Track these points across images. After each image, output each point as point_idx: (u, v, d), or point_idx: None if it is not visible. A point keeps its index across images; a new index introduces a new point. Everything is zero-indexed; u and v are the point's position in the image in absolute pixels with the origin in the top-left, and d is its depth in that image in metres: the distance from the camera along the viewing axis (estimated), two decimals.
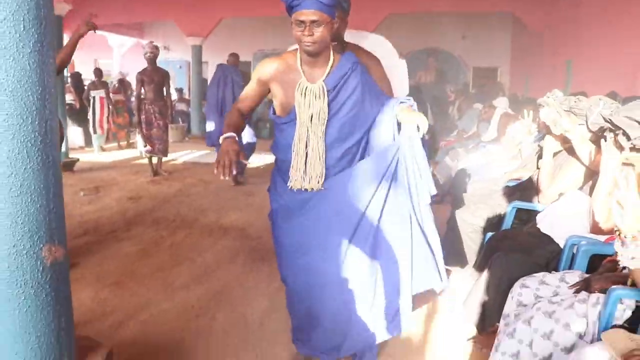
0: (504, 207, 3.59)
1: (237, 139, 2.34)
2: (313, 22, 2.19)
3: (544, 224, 2.91)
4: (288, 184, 2.45)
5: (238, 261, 4.23)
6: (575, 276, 2.40)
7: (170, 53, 16.82)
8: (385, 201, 2.35)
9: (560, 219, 2.82)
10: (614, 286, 2.02)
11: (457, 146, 7.69)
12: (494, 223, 3.57)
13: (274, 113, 2.53)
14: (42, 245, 2.05)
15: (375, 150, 2.41)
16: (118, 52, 18.87)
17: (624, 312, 2.01)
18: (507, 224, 3.38)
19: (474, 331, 3.04)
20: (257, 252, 4.43)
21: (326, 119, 2.36)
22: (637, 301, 1.99)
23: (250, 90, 2.53)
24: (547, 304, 2.16)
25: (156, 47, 7.55)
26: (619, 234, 1.74)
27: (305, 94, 2.35)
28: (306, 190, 2.43)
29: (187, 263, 4.18)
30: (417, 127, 2.24)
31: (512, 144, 5.64)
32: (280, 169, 2.56)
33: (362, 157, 2.45)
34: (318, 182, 2.40)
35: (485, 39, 14.48)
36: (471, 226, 3.65)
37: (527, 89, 11.63)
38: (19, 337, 2.09)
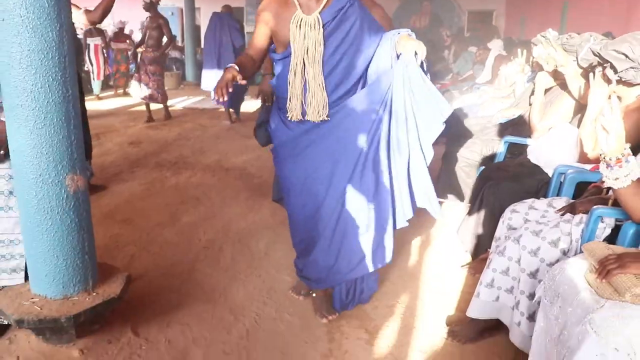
0: (497, 143, 3.74)
1: (236, 68, 2.34)
2: None
3: (534, 155, 3.07)
4: (287, 115, 2.49)
5: (241, 198, 4.40)
6: (562, 201, 2.57)
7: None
8: (384, 129, 2.39)
9: (550, 150, 2.97)
10: (595, 206, 2.19)
11: (451, 89, 7.77)
12: (487, 158, 3.72)
13: (274, 51, 2.55)
14: (65, 175, 2.20)
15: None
16: None
17: (604, 230, 2.18)
18: (500, 157, 3.54)
19: (468, 258, 3.23)
20: (259, 190, 4.59)
21: (322, 51, 2.35)
22: (616, 220, 2.16)
23: (256, 33, 2.54)
24: (535, 225, 2.33)
25: None
26: (604, 158, 1.88)
27: (300, 25, 2.35)
28: (306, 122, 2.46)
29: (192, 201, 4.35)
30: (415, 53, 2.25)
31: (505, 84, 5.76)
32: (279, 106, 2.60)
33: (364, 84, 2.47)
34: (319, 114, 2.42)
35: None
36: (466, 161, 3.82)
37: (522, 32, 11.63)
38: (48, 259, 2.26)
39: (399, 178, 2.45)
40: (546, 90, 3.59)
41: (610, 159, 1.86)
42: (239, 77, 2.29)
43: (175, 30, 16.72)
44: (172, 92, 11.28)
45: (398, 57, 2.34)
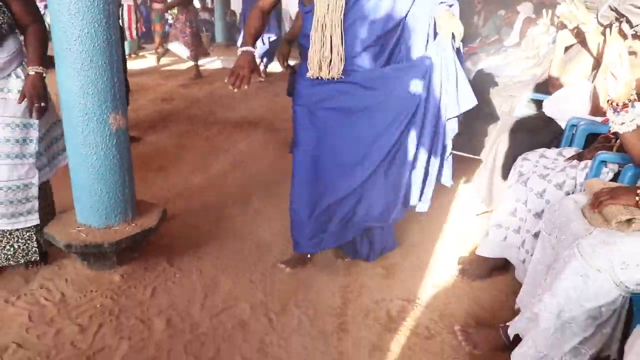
0: (517, 99, 3.85)
1: (254, 54, 2.37)
2: None
3: (549, 108, 3.18)
4: (307, 74, 2.44)
5: (269, 149, 4.60)
6: (572, 151, 2.71)
7: None
8: (415, 114, 2.41)
9: (565, 103, 3.08)
10: (600, 151, 2.33)
11: (479, 52, 7.79)
12: (505, 113, 3.84)
13: (301, 2, 2.52)
14: (108, 114, 2.41)
15: (408, 51, 2.43)
16: None
17: (607, 174, 2.32)
18: (518, 112, 3.65)
19: (482, 208, 3.39)
20: (285, 142, 4.77)
21: (343, 5, 2.30)
22: (619, 165, 2.29)
23: None
24: (543, 169, 2.48)
25: None
26: (611, 103, 2.01)
27: None
28: (328, 80, 2.42)
29: (222, 152, 4.56)
30: (453, 35, 2.26)
31: (531, 45, 5.79)
32: (305, 59, 2.53)
33: (391, 54, 2.44)
34: (339, 71, 2.38)
35: None
36: (484, 114, 3.94)
37: None
38: (92, 191, 2.50)
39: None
40: (567, 48, 3.67)
41: (617, 104, 1.99)
42: (257, 71, 2.36)
43: None
44: None
45: (435, 35, 2.37)
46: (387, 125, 2.43)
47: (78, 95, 2.32)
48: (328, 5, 2.32)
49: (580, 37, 3.56)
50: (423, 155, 2.51)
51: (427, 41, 2.41)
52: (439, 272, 2.77)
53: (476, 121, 4.10)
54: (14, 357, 2.13)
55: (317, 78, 2.43)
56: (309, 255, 2.81)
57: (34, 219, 2.58)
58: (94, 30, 2.26)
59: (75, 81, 2.30)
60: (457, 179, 3.93)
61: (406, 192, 2.58)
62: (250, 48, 2.38)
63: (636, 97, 1.99)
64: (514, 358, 1.93)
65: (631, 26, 2.67)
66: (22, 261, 2.64)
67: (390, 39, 2.41)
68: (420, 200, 2.63)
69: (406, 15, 2.37)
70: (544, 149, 2.81)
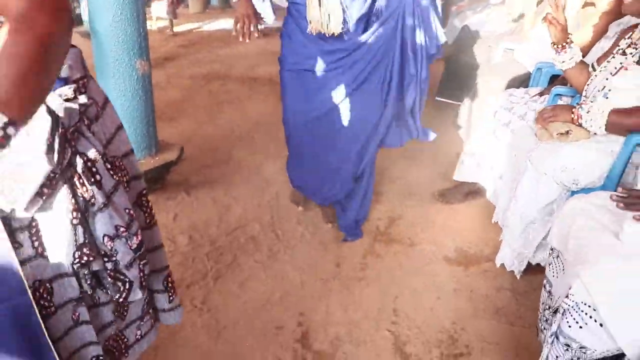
0: (494, 49, 4.23)
1: (251, 0, 2.39)
2: None
3: (519, 55, 3.57)
4: (307, 30, 2.40)
5: (269, 101, 4.98)
6: (536, 90, 3.10)
7: None
8: (396, 57, 2.50)
9: (533, 49, 3.47)
10: (554, 86, 2.74)
11: (466, 10, 8.11)
12: (484, 60, 4.23)
13: None
14: (135, 59, 2.78)
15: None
16: None
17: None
18: (496, 59, 4.04)
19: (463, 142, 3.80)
20: None
21: None
22: (572, 97, 2.70)
23: None
24: (510, 104, 2.88)
25: None
26: (553, 45, 2.41)
27: None
28: (325, 37, 2.40)
29: (225, 104, 4.94)
30: None
31: (511, 2, 6.14)
32: (293, 15, 2.51)
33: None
34: (338, 24, 2.34)
35: None
36: (466, 64, 4.33)
37: None
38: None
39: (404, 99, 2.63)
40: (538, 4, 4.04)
41: (557, 47, 2.38)
42: (259, 18, 2.40)
43: None
44: (199, 15, 11.70)
45: None
46: (372, 71, 2.50)
47: (109, 44, 2.69)
48: None
49: None
50: (412, 89, 2.62)
51: None
52: (421, 197, 3.20)
53: (459, 71, 4.49)
54: None
55: (310, 35, 2.42)
56: None
57: None
58: None
59: (106, 29, 2.67)
60: (443, 123, 4.33)
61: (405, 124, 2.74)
62: None
63: (572, 39, 2.38)
64: (497, 261, 2.38)
65: None
66: None
67: None
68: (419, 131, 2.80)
69: None
70: (513, 89, 3.20)
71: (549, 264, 1.76)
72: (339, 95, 2.50)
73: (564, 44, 2.37)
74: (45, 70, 0.87)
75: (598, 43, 2.81)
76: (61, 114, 1.02)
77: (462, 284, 2.42)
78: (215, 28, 10.40)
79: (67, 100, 1.06)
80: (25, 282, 1.00)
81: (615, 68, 2.20)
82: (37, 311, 1.02)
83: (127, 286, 1.20)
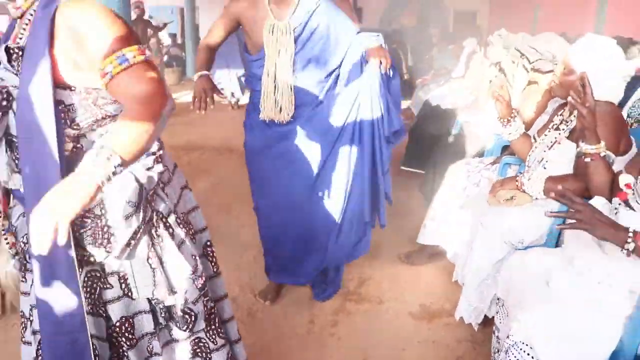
0: (453, 122, 4.62)
1: (210, 76, 2.54)
2: None
3: (475, 126, 3.93)
4: (260, 116, 2.60)
5: (245, 171, 5.24)
6: (490, 159, 3.43)
7: None
8: (351, 136, 2.59)
9: (487, 121, 3.83)
10: (504, 156, 3.06)
11: (430, 83, 8.64)
12: (444, 132, 4.60)
13: (246, 51, 2.67)
14: None
15: (344, 79, 2.58)
16: None
17: (511, 173, 3.04)
18: (455, 131, 4.41)
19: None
20: None
21: (293, 53, 2.49)
22: (518, 165, 3.02)
23: (219, 24, 2.64)
24: (466, 172, 3.19)
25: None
26: (499, 119, 2.74)
27: (272, 31, 2.48)
28: (278, 122, 2.59)
29: (204, 173, 5.20)
30: (380, 63, 2.46)
31: (473, 77, 6.63)
32: (254, 103, 2.67)
33: (334, 84, 2.60)
34: (288, 114, 2.56)
35: None
36: (429, 135, 4.70)
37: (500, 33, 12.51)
38: None
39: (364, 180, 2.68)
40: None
41: (503, 120, 2.72)
42: (216, 91, 2.53)
43: (175, 28, 17.55)
44: (174, 87, 12.12)
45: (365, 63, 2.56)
46: (322, 155, 2.63)
47: None
48: (279, 52, 2.49)
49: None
50: (365, 174, 2.67)
51: (361, 69, 2.56)
52: (388, 259, 3.45)
53: (422, 142, 4.85)
54: None
55: (268, 122, 2.62)
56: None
57: None
58: None
59: None
60: (409, 190, 4.64)
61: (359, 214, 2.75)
62: (204, 72, 2.55)
63: (516, 114, 2.72)
64: (456, 314, 2.62)
65: (529, 62, 3.43)
66: None
67: (334, 74, 2.60)
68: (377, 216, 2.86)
69: (346, 51, 2.57)
70: (469, 158, 3.53)
71: (497, 312, 2.01)
72: (303, 175, 2.65)
73: (509, 118, 2.70)
74: (154, 135, 1.26)
75: (540, 117, 3.16)
76: (144, 180, 1.34)
77: (425, 337, 2.64)
78: (190, 100, 10.77)
79: (148, 169, 1.38)
80: (86, 321, 1.30)
81: (551, 142, 2.52)
82: (91, 346, 1.31)
83: (193, 318, 1.48)
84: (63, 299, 1.28)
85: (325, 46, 2.53)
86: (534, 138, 2.73)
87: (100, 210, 1.29)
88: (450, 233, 3.14)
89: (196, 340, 1.55)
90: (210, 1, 15.36)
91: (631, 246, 1.54)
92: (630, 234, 1.54)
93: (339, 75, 2.60)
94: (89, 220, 1.30)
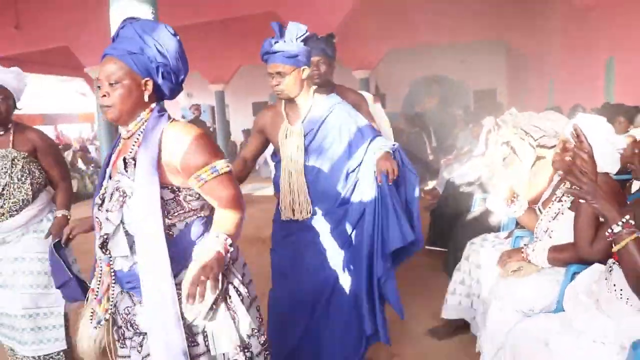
0: (473, 199, 4.82)
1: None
2: (278, 73, 2.58)
3: (490, 204, 4.12)
4: (281, 217, 2.79)
5: None
6: (504, 234, 3.60)
7: (193, 99, 18.25)
8: (358, 240, 2.71)
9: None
10: (515, 230, 3.24)
11: (454, 162, 8.90)
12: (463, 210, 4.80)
13: (274, 154, 2.88)
14: None
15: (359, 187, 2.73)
16: None
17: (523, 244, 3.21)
18: (473, 208, 4.60)
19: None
20: None
21: (303, 156, 2.66)
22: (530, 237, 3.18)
23: (251, 139, 2.93)
24: (481, 246, 3.36)
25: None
26: (505, 201, 2.96)
27: (287, 135, 2.70)
28: (296, 220, 2.74)
29: None
30: (387, 172, 2.52)
31: (491, 154, 6.86)
32: (278, 202, 2.85)
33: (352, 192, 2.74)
34: (303, 213, 2.72)
35: (483, 64, 15.46)
36: (449, 214, 4.89)
37: (520, 107, 12.83)
38: None
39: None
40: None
41: (507, 202, 2.93)
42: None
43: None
44: None
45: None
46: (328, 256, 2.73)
47: None
48: (291, 155, 2.68)
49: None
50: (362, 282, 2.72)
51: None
52: (416, 335, 3.57)
53: (443, 221, 5.05)
54: None
55: (288, 220, 2.77)
56: None
57: (61, 345, 2.94)
58: None
59: None
60: (433, 268, 4.79)
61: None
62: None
63: (517, 194, 2.94)
64: None
65: (534, 139, 3.66)
66: None
67: (351, 176, 2.72)
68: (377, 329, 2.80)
69: (361, 162, 2.69)
70: (486, 234, 3.71)
71: None
72: (316, 270, 2.74)
73: (512, 198, 2.92)
74: (242, 223, 1.77)
75: (546, 190, 3.35)
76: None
77: None
78: None
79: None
80: None
81: (555, 213, 2.71)
82: None
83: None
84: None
85: (339, 149, 2.68)
86: (539, 210, 2.92)
87: None
88: (472, 306, 3.28)
89: None
90: (238, 100, 16.21)
91: (617, 229, 1.72)
92: (624, 220, 1.72)
93: (358, 179, 2.73)
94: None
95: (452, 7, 10.66)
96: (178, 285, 1.68)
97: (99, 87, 1.78)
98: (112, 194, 1.76)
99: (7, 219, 2.82)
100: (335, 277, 2.73)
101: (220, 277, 1.65)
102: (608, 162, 2.59)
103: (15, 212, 2.83)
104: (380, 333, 2.77)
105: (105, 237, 1.77)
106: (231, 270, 1.80)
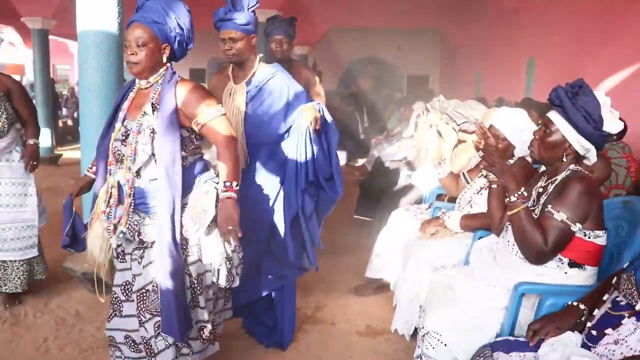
0: (399, 175, 5.29)
1: None
2: (231, 39, 2.85)
3: (415, 179, 4.60)
4: None
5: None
6: (426, 206, 4.06)
7: None
8: (282, 186, 2.97)
9: (424, 175, 4.50)
10: (434, 202, 3.70)
11: (384, 142, 9.40)
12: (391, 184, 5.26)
13: None
14: None
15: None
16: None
17: (441, 215, 3.67)
18: (399, 183, 5.07)
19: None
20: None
21: (244, 111, 2.90)
22: (446, 210, 3.65)
23: None
24: (405, 215, 3.80)
25: None
26: (432, 162, 3.43)
27: (230, 92, 2.98)
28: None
29: None
30: (311, 122, 2.85)
31: (419, 136, 7.38)
32: None
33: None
34: (245, 161, 2.98)
35: (418, 51, 16.03)
36: (377, 187, 5.35)
37: (450, 95, 13.52)
38: None
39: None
40: None
41: (435, 163, 3.38)
42: None
43: None
44: None
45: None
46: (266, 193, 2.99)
47: None
48: (232, 110, 2.94)
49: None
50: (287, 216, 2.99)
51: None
52: (341, 291, 4.00)
53: (371, 193, 5.51)
54: (52, 344, 3.17)
55: None
56: None
57: (34, 251, 3.68)
58: None
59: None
60: (360, 235, 5.24)
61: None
62: None
63: (445, 158, 3.39)
64: (392, 327, 3.17)
65: (457, 124, 4.13)
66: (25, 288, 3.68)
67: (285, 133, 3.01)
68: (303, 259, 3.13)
69: (286, 116, 2.97)
70: (408, 204, 4.17)
71: (419, 317, 2.58)
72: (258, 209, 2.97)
73: (440, 161, 3.38)
74: (237, 155, 2.33)
75: (468, 161, 3.81)
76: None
77: (369, 348, 3.20)
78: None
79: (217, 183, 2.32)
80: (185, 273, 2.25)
81: (480, 187, 3.17)
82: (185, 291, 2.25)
83: (232, 278, 2.32)
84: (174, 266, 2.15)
85: (277, 107, 2.96)
86: (464, 176, 3.40)
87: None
88: (393, 268, 3.73)
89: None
90: (176, 65, 16.03)
91: (513, 199, 2.21)
92: (519, 193, 2.22)
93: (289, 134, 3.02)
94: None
95: None
96: (183, 206, 2.21)
97: (126, 46, 2.22)
98: (139, 131, 2.21)
99: None
100: (271, 213, 2.99)
101: (215, 203, 2.21)
102: (525, 148, 3.06)
103: None
104: (310, 258, 3.09)
105: (139, 164, 2.22)
106: None
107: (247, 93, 2.95)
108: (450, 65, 15.04)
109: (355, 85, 16.69)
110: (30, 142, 3.62)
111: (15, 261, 3.59)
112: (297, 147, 2.92)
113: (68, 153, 11.43)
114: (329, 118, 3.07)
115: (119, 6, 3.66)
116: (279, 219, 2.99)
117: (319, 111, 3.00)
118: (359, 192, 5.90)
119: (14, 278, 3.60)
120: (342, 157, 8.50)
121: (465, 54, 13.03)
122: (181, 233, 2.21)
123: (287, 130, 3.00)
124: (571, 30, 6.80)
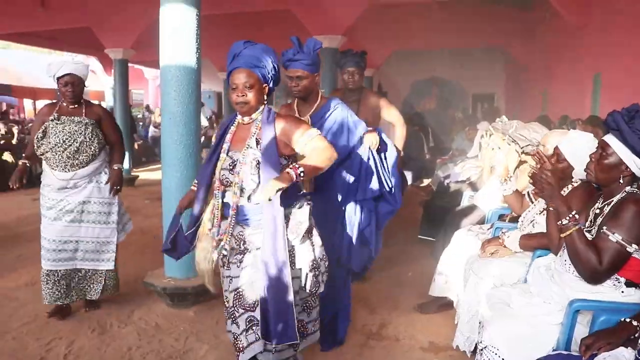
0: (462, 195, 5.38)
1: None
2: (297, 77, 3.21)
3: (478, 199, 4.69)
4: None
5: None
6: (487, 226, 4.16)
7: (203, 84, 18.58)
8: (348, 199, 3.31)
9: (486, 195, 4.59)
10: (496, 222, 3.80)
11: (448, 162, 9.45)
12: (454, 205, 5.35)
13: None
14: None
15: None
16: (153, 84, 20.93)
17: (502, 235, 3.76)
18: (463, 204, 5.16)
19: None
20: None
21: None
22: (507, 230, 3.73)
23: None
24: (466, 235, 3.91)
25: None
26: (500, 179, 3.54)
27: None
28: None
29: None
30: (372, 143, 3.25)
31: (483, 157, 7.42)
32: None
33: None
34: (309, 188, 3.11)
35: (482, 69, 15.84)
36: (440, 207, 5.45)
37: (516, 113, 13.40)
38: None
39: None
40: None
41: (502, 180, 3.50)
42: None
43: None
44: None
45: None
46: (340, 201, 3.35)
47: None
48: None
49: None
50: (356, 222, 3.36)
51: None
52: (405, 309, 4.13)
53: (435, 214, 5.62)
54: (135, 352, 3.45)
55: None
56: None
57: (111, 265, 4.02)
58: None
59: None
60: (423, 255, 5.35)
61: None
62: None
63: (511, 175, 3.51)
64: (453, 343, 3.28)
65: (520, 147, 4.21)
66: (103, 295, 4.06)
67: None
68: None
69: (349, 142, 3.29)
70: (471, 225, 4.26)
71: (478, 333, 2.70)
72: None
73: (506, 178, 3.50)
74: (327, 159, 2.56)
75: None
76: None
77: None
78: None
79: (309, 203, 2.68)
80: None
81: (542, 208, 3.26)
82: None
83: (322, 279, 2.65)
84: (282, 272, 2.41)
85: (338, 135, 3.26)
86: (529, 195, 3.49)
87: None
88: (455, 286, 3.84)
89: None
90: None
91: (565, 221, 2.31)
92: (570, 215, 2.31)
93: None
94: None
95: (456, 16, 11.15)
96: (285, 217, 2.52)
97: (232, 88, 2.55)
98: (246, 162, 2.52)
99: (81, 168, 3.84)
100: (340, 227, 3.34)
101: (308, 217, 2.57)
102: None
103: (86, 164, 3.87)
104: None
105: (249, 191, 2.53)
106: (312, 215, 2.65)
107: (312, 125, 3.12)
108: (516, 82, 14.90)
109: (419, 105, 16.79)
110: (115, 167, 3.99)
111: (95, 271, 3.98)
112: (360, 165, 3.26)
113: (143, 174, 12.04)
114: (387, 140, 3.43)
115: (197, 43, 3.99)
116: (347, 231, 3.32)
117: (378, 133, 3.37)
118: (422, 212, 6.02)
119: (94, 286, 3.98)
120: (408, 177, 8.64)
121: (530, 71, 12.91)
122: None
123: (350, 154, 3.29)
124: (637, 46, 6.70)
